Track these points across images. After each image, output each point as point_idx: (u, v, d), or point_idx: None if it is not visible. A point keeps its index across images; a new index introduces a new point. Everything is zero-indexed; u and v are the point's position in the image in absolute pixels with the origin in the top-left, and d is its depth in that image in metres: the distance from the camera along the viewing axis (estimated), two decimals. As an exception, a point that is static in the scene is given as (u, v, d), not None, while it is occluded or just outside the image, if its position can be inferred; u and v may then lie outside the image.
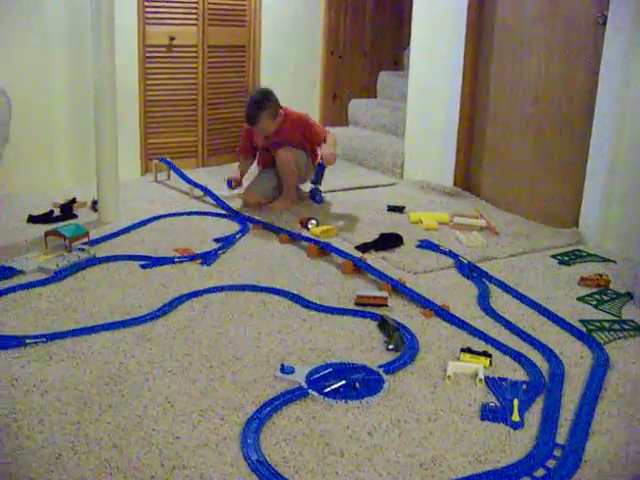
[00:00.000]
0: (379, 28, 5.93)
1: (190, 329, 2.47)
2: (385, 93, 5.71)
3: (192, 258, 3.16)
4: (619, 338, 2.51)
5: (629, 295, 2.89)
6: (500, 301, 2.81)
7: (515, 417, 1.97)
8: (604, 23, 3.36)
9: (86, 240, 3.28)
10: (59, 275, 2.90)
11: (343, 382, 2.12)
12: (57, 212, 3.76)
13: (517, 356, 2.33)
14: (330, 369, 2.20)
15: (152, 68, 4.66)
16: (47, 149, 4.25)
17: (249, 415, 1.94)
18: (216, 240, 3.42)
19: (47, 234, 3.23)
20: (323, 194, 4.12)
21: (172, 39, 4.67)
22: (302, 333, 2.47)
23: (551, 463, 1.77)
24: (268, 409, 1.96)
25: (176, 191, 4.36)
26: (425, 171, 4.60)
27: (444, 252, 3.31)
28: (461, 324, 2.56)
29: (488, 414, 1.99)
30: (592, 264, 3.26)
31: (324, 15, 5.53)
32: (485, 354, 2.29)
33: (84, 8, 3.67)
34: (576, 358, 2.35)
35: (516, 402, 2.04)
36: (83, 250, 3.16)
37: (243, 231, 3.57)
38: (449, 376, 2.17)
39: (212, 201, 4.12)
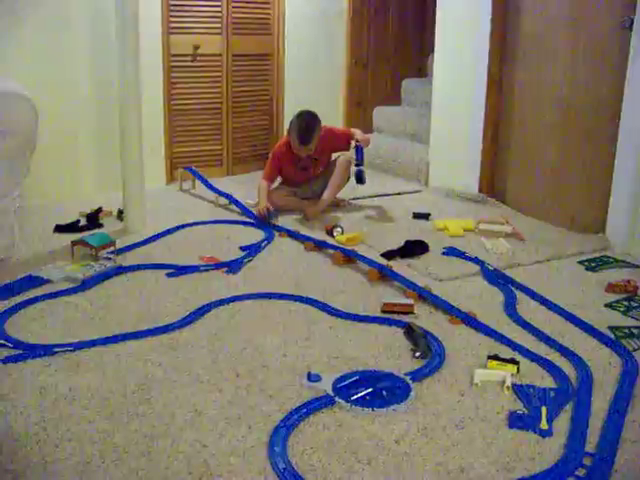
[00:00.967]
0: (402, 35, 5.93)
1: (216, 337, 2.48)
2: (409, 100, 5.69)
3: (218, 266, 3.17)
4: (648, 345, 2.49)
5: (658, 301, 2.86)
6: (527, 308, 2.80)
7: (543, 425, 1.96)
8: (630, 26, 3.34)
9: (112, 249, 3.30)
10: (86, 284, 2.92)
11: (370, 390, 2.12)
12: (83, 221, 3.79)
13: (545, 363, 2.31)
14: (357, 377, 2.19)
15: (177, 77, 4.69)
16: (73, 159, 4.29)
17: (276, 423, 1.94)
18: (242, 248, 3.43)
19: (74, 243, 3.26)
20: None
21: (197, 48, 4.70)
22: (328, 341, 2.47)
23: (581, 472, 1.75)
24: (295, 417, 1.96)
25: (201, 200, 4.38)
26: (450, 178, 4.59)
27: (470, 259, 3.30)
28: (488, 331, 2.54)
29: (516, 422, 1.98)
30: (619, 270, 3.22)
31: (347, 23, 5.54)
32: (512, 361, 2.28)
33: (110, 17, 3.69)
34: (604, 365, 2.33)
35: (544, 410, 2.02)
36: (109, 259, 3.19)
37: (269, 239, 3.58)
38: (476, 384, 2.16)
39: (237, 209, 4.13)
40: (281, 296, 2.86)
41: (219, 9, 4.73)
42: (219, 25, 4.76)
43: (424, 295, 2.83)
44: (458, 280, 3.09)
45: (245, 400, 2.07)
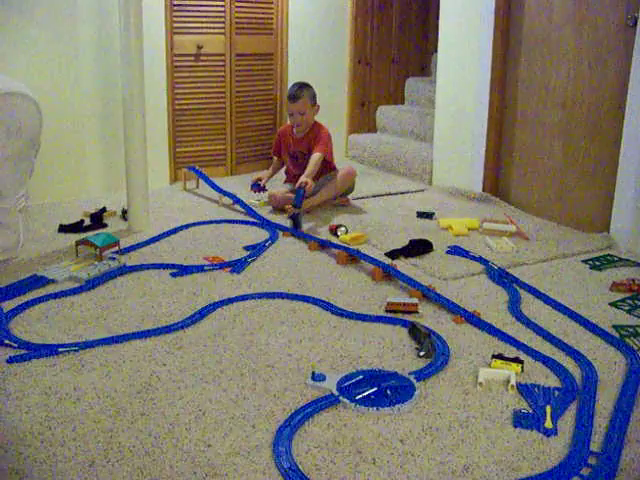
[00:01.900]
0: (406, 34, 5.93)
1: (221, 337, 2.48)
2: (413, 99, 5.70)
3: (222, 266, 3.17)
4: (653, 344, 2.48)
5: (663, 300, 2.86)
6: (531, 307, 2.79)
7: (548, 424, 1.95)
8: (634, 25, 3.33)
9: (116, 249, 3.30)
10: (90, 284, 2.93)
11: (374, 389, 2.12)
12: (87, 221, 3.79)
13: (549, 362, 2.31)
14: (361, 376, 2.19)
15: (180, 77, 4.70)
16: (77, 159, 4.29)
17: (280, 423, 1.94)
18: (246, 248, 3.43)
19: (78, 243, 3.26)
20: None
21: (200, 48, 4.70)
22: (333, 340, 2.47)
23: (586, 471, 1.75)
24: (299, 417, 1.96)
25: (205, 199, 4.39)
26: (454, 177, 4.59)
27: (474, 258, 3.30)
28: (492, 330, 2.54)
29: (521, 421, 1.97)
30: (624, 269, 3.22)
31: (351, 22, 5.54)
32: (517, 360, 2.27)
33: (115, 16, 3.70)
34: (609, 364, 2.32)
35: (549, 409, 2.02)
36: (114, 259, 3.19)
37: (273, 239, 3.58)
38: (481, 383, 2.16)
39: (241, 209, 4.13)
40: (285, 296, 2.86)
41: (222, 9, 4.73)
42: (222, 25, 4.76)
43: (428, 294, 2.83)
44: (462, 279, 3.09)
45: (249, 399, 2.07)
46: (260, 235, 3.67)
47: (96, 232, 3.53)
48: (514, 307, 2.76)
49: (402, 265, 3.21)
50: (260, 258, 3.31)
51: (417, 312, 2.70)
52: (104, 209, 3.92)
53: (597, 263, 3.28)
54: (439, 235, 3.63)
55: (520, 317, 2.67)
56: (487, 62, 4.22)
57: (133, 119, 3.54)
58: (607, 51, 3.53)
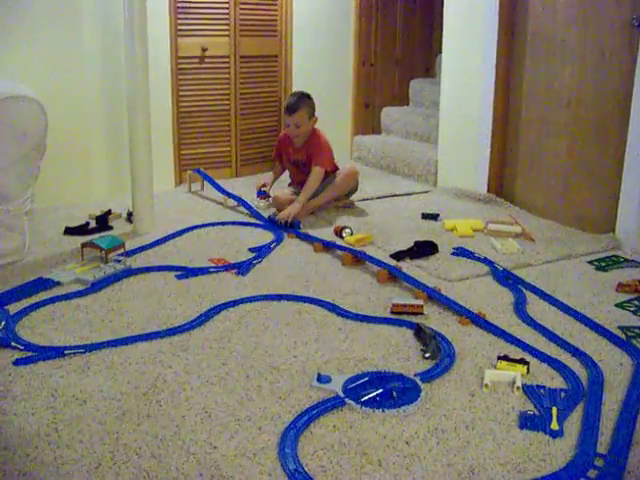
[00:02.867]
0: (410, 36, 5.93)
1: (226, 339, 2.48)
2: (417, 100, 5.69)
3: (227, 268, 3.18)
4: (659, 345, 2.48)
5: (669, 301, 2.85)
6: (537, 308, 2.79)
7: (554, 425, 1.95)
8: (639, 25, 3.33)
9: (122, 251, 3.30)
10: (96, 286, 2.93)
11: (380, 391, 2.12)
12: (93, 224, 3.80)
13: (555, 363, 2.31)
14: (367, 378, 2.19)
15: (185, 79, 4.70)
16: (82, 161, 4.30)
17: (286, 424, 1.94)
18: (251, 250, 3.43)
19: (83, 246, 3.27)
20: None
21: (204, 50, 4.71)
22: (338, 342, 2.47)
23: (592, 473, 1.74)
24: (305, 418, 1.96)
25: (210, 201, 4.39)
26: (459, 178, 4.58)
27: (479, 259, 3.29)
28: (498, 332, 2.54)
29: (527, 422, 1.97)
30: (630, 270, 3.22)
31: (355, 24, 5.54)
32: (522, 362, 2.27)
33: (120, 19, 3.70)
34: (615, 365, 2.32)
35: (555, 410, 2.02)
36: (119, 261, 3.19)
37: (278, 240, 3.58)
38: (486, 384, 2.16)
39: (246, 211, 4.14)
40: (290, 297, 2.86)
41: (226, 11, 4.74)
42: (227, 27, 4.77)
43: (434, 296, 2.83)
44: (468, 280, 3.08)
45: (255, 401, 2.07)
46: (265, 237, 3.67)
47: (102, 234, 3.53)
48: (519, 308, 2.75)
49: (407, 266, 3.21)
50: (265, 260, 3.32)
51: (422, 313, 2.70)
52: (109, 211, 3.93)
53: (603, 264, 3.27)
54: (444, 236, 3.63)
55: (526, 318, 2.67)
56: (491, 63, 4.21)
57: (138, 121, 3.55)
58: (612, 51, 3.53)
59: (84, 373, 2.23)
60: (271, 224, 3.88)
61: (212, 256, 3.34)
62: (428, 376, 2.21)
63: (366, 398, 2.07)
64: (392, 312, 2.72)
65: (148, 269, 3.16)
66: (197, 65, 4.73)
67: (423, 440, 1.89)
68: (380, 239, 3.59)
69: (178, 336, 2.50)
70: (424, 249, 3.38)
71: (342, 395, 2.08)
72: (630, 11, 3.40)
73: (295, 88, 5.19)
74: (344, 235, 3.61)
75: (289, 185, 4.36)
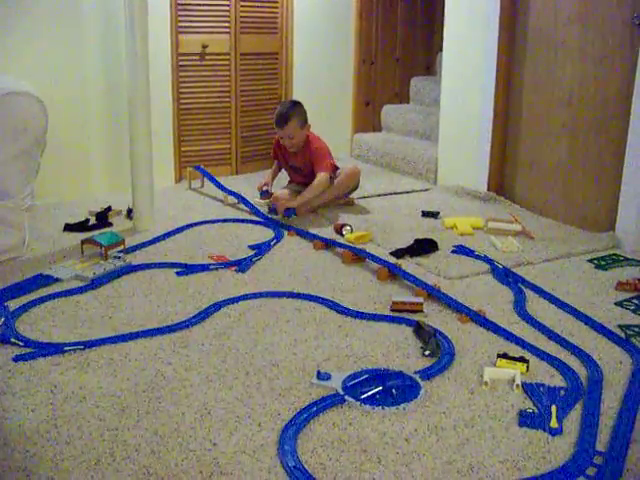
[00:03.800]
0: (411, 34, 5.92)
1: (226, 336, 2.49)
2: (418, 98, 5.69)
3: (227, 265, 3.18)
4: (659, 343, 2.48)
5: (668, 300, 2.85)
6: (536, 306, 2.79)
7: (553, 423, 1.95)
8: (640, 24, 3.34)
9: (122, 248, 3.30)
10: (96, 283, 2.93)
11: (379, 388, 2.12)
12: (93, 220, 3.80)
13: (554, 361, 2.31)
14: (366, 375, 2.19)
15: (185, 76, 4.70)
16: (82, 158, 4.30)
17: (286, 422, 1.94)
18: (251, 247, 3.43)
19: (83, 242, 3.27)
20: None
21: (205, 47, 4.70)
22: (338, 339, 2.47)
23: (591, 471, 1.75)
24: (305, 415, 1.97)
25: (210, 198, 4.39)
26: (459, 176, 4.58)
27: (479, 257, 3.29)
28: (497, 329, 2.54)
29: (526, 420, 1.97)
30: (629, 268, 3.22)
31: (355, 21, 5.53)
32: (522, 360, 2.27)
33: (121, 15, 3.71)
34: (615, 364, 2.32)
35: (554, 408, 2.02)
36: (119, 258, 3.20)
37: (278, 238, 3.58)
38: (486, 382, 2.16)
39: (246, 208, 4.13)
40: (290, 295, 2.86)
41: (227, 8, 4.73)
42: (227, 24, 4.76)
43: (433, 293, 2.83)
44: (467, 278, 3.09)
45: (255, 398, 2.07)
46: (265, 234, 3.67)
47: (101, 231, 3.53)
48: (519, 306, 2.75)
49: (407, 264, 3.21)
50: (265, 257, 3.32)
51: (422, 311, 2.70)
52: (109, 208, 3.93)
53: (602, 262, 3.27)
54: (444, 234, 3.63)
55: (525, 316, 2.67)
56: (492, 61, 4.21)
57: (138, 118, 3.54)
58: (613, 50, 3.53)
59: (84, 370, 2.23)
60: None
61: (212, 253, 3.34)
62: (428, 374, 2.21)
63: (366, 395, 2.07)
64: (392, 310, 2.72)
65: (148, 266, 3.16)
66: (197, 62, 4.73)
67: (423, 437, 1.89)
68: (380, 237, 3.59)
69: (178, 333, 2.50)
70: (424, 247, 3.38)
71: (342, 392, 2.08)
72: (631, 10, 3.39)
73: (296, 85, 5.20)
74: (344, 233, 3.61)
75: (289, 183, 4.36)
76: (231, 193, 4.28)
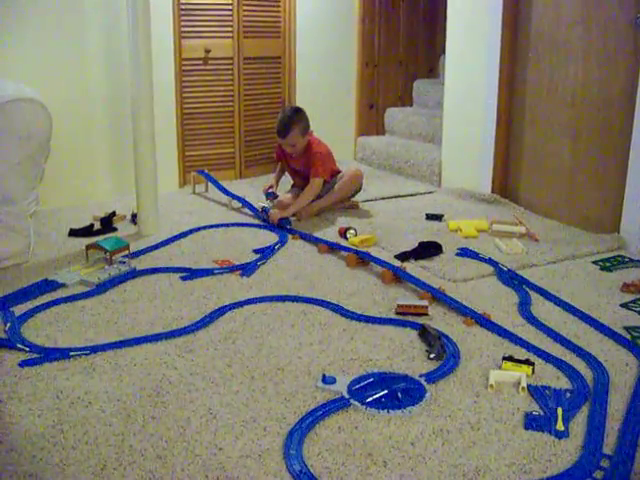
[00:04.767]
0: (413, 36, 5.93)
1: (231, 340, 2.49)
2: (421, 101, 5.69)
3: (232, 269, 3.18)
4: (664, 345, 2.47)
5: (674, 301, 2.85)
6: (541, 308, 2.79)
7: (560, 426, 1.95)
8: (643, 26, 3.33)
9: (126, 253, 3.31)
10: (101, 288, 2.94)
11: (385, 392, 2.12)
12: (97, 225, 3.80)
13: (560, 364, 2.31)
14: (372, 379, 2.19)
15: (189, 81, 4.71)
16: (86, 163, 4.31)
17: (291, 426, 1.94)
18: (255, 251, 3.43)
19: (88, 247, 3.27)
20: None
21: (208, 52, 4.71)
22: (343, 343, 2.47)
23: (598, 474, 1.74)
24: (310, 420, 1.96)
25: (214, 203, 4.39)
26: (463, 179, 4.58)
27: (484, 260, 3.29)
28: (502, 332, 2.54)
29: (532, 423, 1.97)
30: (634, 270, 3.21)
31: (358, 25, 5.54)
32: (527, 362, 2.27)
33: (124, 19, 3.71)
34: (621, 366, 2.31)
35: (560, 411, 2.02)
36: (124, 263, 3.20)
37: (282, 242, 3.58)
38: (491, 385, 2.15)
39: (250, 212, 4.14)
40: (295, 298, 2.86)
41: (230, 12, 4.74)
42: (230, 28, 4.77)
43: (438, 296, 2.83)
44: (472, 281, 3.08)
45: (260, 402, 2.07)
46: (269, 238, 3.67)
47: (106, 236, 3.54)
48: (524, 309, 2.75)
49: (412, 267, 3.21)
50: (270, 261, 3.32)
51: (427, 314, 2.70)
52: (114, 213, 3.93)
53: (607, 264, 3.27)
54: (448, 237, 3.63)
55: (530, 319, 2.66)
56: (495, 63, 4.21)
57: (142, 123, 3.55)
58: (616, 51, 3.52)
59: (89, 375, 2.23)
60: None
61: (216, 257, 3.34)
62: (433, 377, 2.21)
63: (371, 399, 2.07)
64: (397, 313, 2.72)
65: (153, 270, 3.16)
66: (201, 66, 4.74)
67: (428, 441, 1.89)
68: (384, 240, 3.59)
69: (183, 337, 2.50)
70: (428, 250, 3.38)
71: (347, 396, 2.08)
72: (634, 11, 3.39)
73: (299, 89, 5.21)
74: (348, 236, 3.61)
75: (292, 187, 4.35)
76: (235, 197, 4.29)
